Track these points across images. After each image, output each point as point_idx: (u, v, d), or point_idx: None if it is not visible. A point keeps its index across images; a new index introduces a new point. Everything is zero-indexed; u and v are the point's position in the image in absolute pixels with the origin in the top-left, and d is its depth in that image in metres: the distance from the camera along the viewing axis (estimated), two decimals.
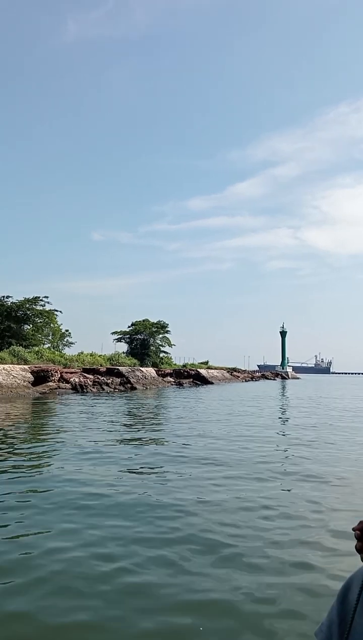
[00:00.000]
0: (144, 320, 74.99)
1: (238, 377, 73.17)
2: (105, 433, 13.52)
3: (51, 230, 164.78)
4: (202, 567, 4.73)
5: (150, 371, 43.29)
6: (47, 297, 57.62)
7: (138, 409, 21.68)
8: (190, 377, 53.08)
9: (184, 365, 71.08)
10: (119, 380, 37.32)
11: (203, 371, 56.28)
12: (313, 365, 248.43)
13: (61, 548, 5.10)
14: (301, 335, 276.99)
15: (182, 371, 53.55)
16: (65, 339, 69.63)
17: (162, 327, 74.47)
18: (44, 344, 62.84)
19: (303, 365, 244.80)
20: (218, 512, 6.49)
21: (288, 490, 7.75)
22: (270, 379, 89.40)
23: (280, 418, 19.76)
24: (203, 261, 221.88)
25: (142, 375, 40.36)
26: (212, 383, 54.29)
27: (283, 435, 14.30)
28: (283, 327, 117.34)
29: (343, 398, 34.61)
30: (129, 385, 37.03)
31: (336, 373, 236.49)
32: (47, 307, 58.80)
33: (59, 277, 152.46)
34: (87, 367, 39.85)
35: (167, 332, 75.21)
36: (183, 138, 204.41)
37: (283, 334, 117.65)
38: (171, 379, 48.02)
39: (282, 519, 6.29)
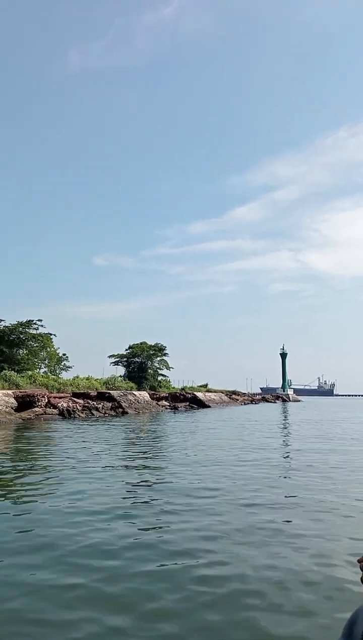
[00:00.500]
0: (141, 343, 74.11)
1: (237, 400, 71.71)
2: (72, 462, 12.56)
3: (53, 255, 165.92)
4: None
5: (144, 395, 42.20)
6: (40, 320, 56.98)
7: (118, 435, 20.64)
8: (187, 400, 51.88)
9: (183, 389, 69.73)
10: (110, 404, 36.28)
11: (200, 394, 55.06)
12: (316, 388, 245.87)
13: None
14: (304, 357, 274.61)
15: (178, 394, 52.39)
16: (62, 363, 68.78)
17: (159, 349, 73.48)
18: (40, 368, 62.02)
19: (306, 387, 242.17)
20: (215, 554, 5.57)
21: (288, 522, 6.86)
22: (271, 402, 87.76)
23: (277, 446, 18.68)
24: (206, 284, 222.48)
25: (135, 399, 39.28)
26: (209, 407, 53.01)
27: (280, 463, 13.30)
28: (283, 349, 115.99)
29: (343, 421, 33.35)
30: (120, 409, 35.97)
31: (339, 395, 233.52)
32: (41, 331, 58.18)
33: (62, 302, 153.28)
34: (82, 391, 38.89)
35: (165, 354, 74.19)
36: (185, 164, 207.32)
37: (283, 355, 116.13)
38: (166, 403, 46.85)
39: (281, 554, 5.70)
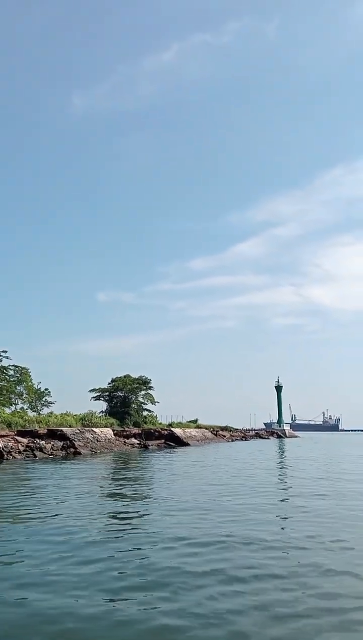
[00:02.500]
0: (124, 376, 70.34)
1: (224, 436, 66.68)
2: None
3: (57, 292, 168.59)
4: None
5: (106, 432, 37.92)
6: (5, 351, 53.54)
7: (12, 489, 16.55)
8: (162, 437, 47.36)
9: (170, 425, 65.59)
10: (62, 444, 32.10)
11: (178, 431, 50.56)
12: (321, 423, 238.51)
13: None
14: (308, 392, 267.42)
15: (152, 431, 47.93)
16: (43, 399, 64.76)
17: (144, 382, 69.54)
18: (16, 404, 58.00)
19: (311, 422, 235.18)
20: None
21: None
22: (265, 438, 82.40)
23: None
24: (208, 319, 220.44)
25: (93, 437, 35.03)
26: (187, 444, 48.42)
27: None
28: (278, 382, 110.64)
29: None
30: (72, 449, 31.74)
31: (345, 430, 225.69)
32: (6, 363, 54.54)
33: (66, 339, 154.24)
34: (49, 428, 34.79)
35: (150, 388, 70.26)
36: (186, 202, 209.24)
37: (278, 388, 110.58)
38: (135, 441, 42.36)
39: None
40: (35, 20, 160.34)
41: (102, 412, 66.56)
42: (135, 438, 43.40)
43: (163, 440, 46.76)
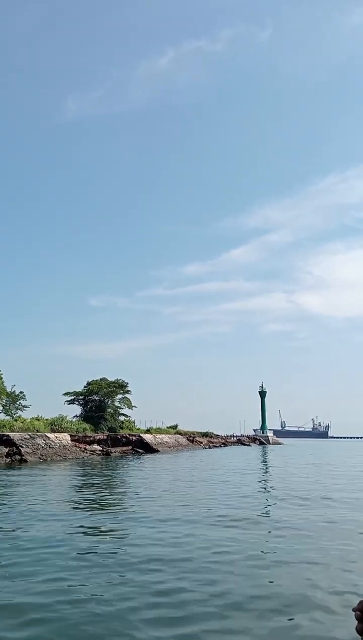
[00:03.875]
0: (100, 379, 67.54)
1: (201, 443, 63.75)
2: None
3: (49, 295, 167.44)
4: None
5: (62, 437, 35.02)
6: None
7: None
8: (130, 443, 44.53)
9: (148, 430, 62.95)
10: (7, 450, 29.25)
11: (147, 437, 47.76)
12: (310, 429, 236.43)
13: None
14: (299, 398, 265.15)
15: (119, 437, 45.07)
16: (18, 402, 62.15)
17: (120, 386, 66.73)
18: None
19: (300, 429, 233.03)
20: None
21: None
22: (246, 445, 79.57)
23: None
24: (200, 324, 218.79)
25: (46, 444, 32.15)
26: (157, 451, 45.61)
27: None
28: (262, 387, 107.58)
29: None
30: (18, 457, 28.89)
31: (334, 437, 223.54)
32: None
33: (56, 342, 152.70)
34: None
35: (127, 392, 67.53)
36: (179, 207, 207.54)
37: (262, 394, 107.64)
38: (98, 447, 39.49)
39: None
40: (31, 23, 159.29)
41: (76, 416, 63.78)
42: (99, 444, 40.51)
43: (131, 447, 43.95)
